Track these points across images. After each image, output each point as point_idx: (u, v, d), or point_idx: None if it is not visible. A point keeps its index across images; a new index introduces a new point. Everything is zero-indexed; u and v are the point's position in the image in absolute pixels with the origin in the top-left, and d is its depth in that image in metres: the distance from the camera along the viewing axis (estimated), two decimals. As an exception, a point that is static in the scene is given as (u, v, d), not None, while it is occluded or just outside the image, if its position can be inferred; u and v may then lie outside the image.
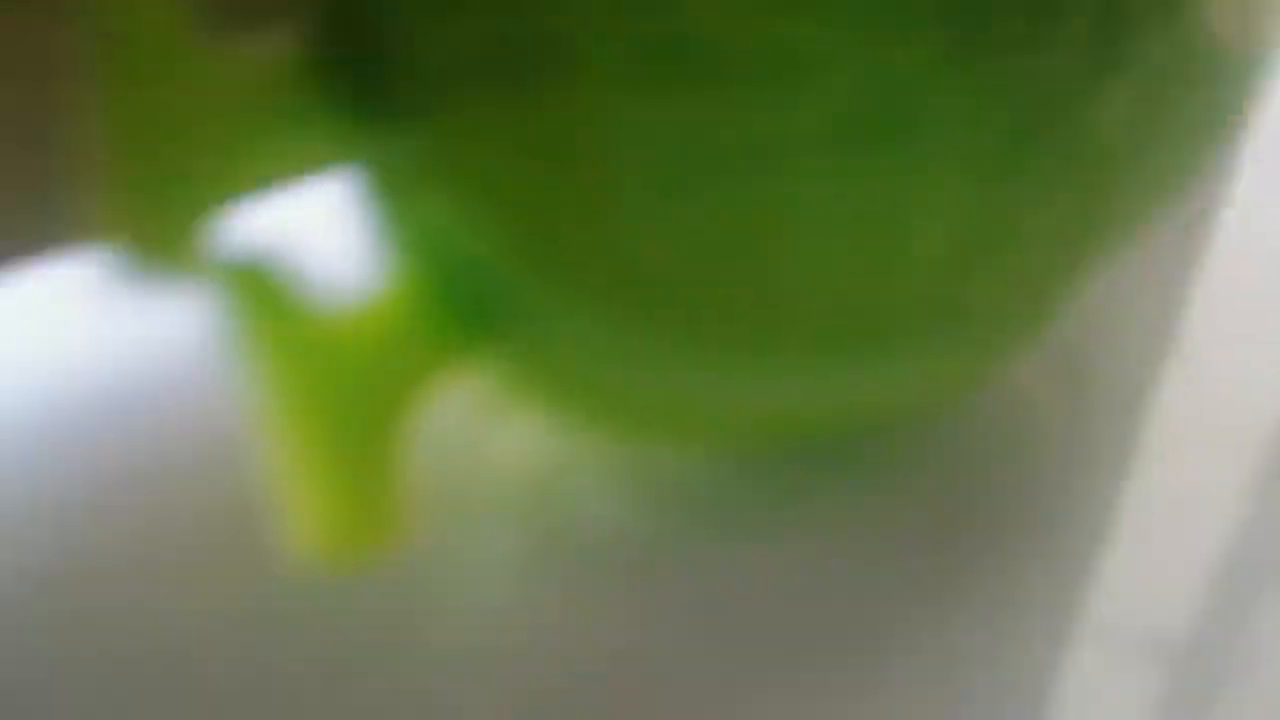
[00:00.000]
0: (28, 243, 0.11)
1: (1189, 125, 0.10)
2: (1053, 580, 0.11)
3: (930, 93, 0.08)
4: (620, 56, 0.08)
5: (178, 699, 0.09)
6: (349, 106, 0.08)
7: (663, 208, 0.08)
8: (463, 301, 0.09)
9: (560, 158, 0.08)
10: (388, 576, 0.09)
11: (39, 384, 0.11)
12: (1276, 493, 0.12)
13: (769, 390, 0.10)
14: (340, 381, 0.08)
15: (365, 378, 0.08)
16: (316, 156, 0.09)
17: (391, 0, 0.08)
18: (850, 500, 0.11)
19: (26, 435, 0.11)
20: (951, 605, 0.10)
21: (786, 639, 0.10)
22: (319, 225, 0.11)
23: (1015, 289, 0.10)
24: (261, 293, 0.08)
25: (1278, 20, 0.10)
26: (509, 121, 0.08)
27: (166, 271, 0.08)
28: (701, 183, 0.08)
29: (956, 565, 0.11)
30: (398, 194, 0.09)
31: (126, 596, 0.09)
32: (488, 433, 0.11)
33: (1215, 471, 0.12)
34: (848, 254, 0.08)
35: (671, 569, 0.10)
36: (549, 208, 0.08)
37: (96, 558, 0.10)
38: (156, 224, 0.08)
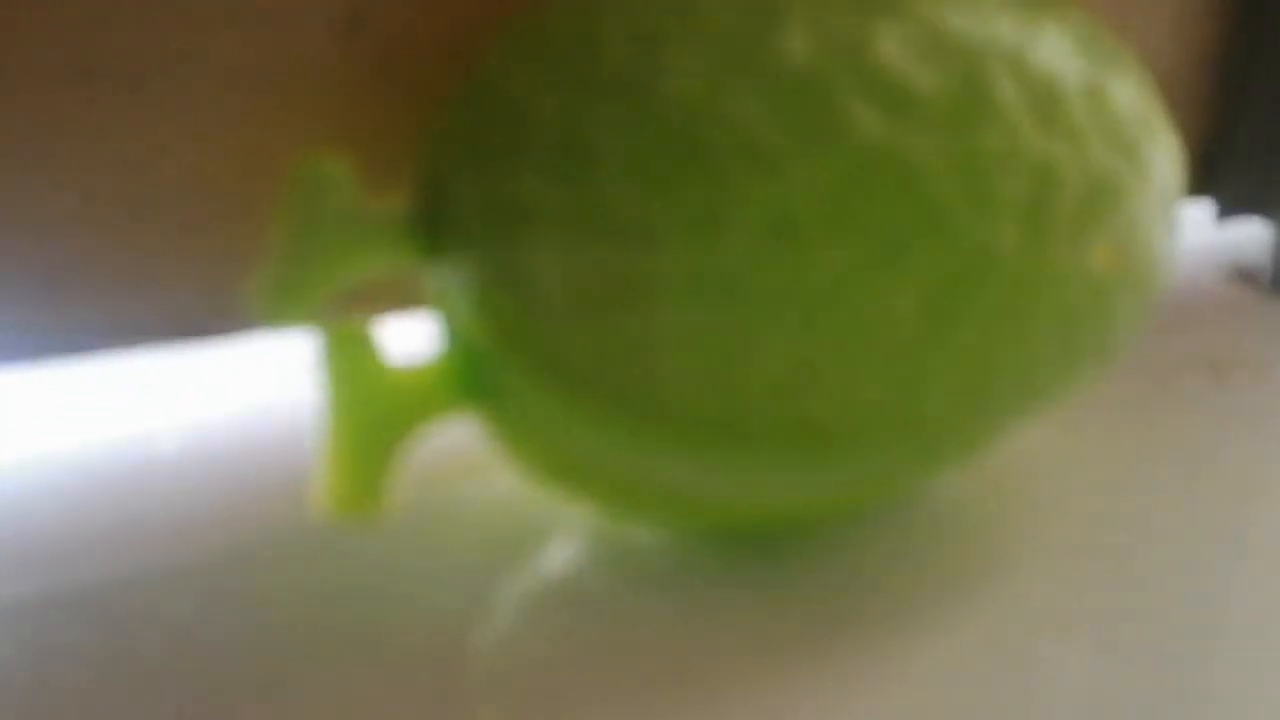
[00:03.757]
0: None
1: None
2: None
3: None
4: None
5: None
6: (426, 246, 0.13)
7: (691, 353, 0.12)
8: (472, 378, 0.14)
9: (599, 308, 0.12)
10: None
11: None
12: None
13: (734, 486, 0.14)
14: (375, 405, 0.13)
15: (392, 408, 0.13)
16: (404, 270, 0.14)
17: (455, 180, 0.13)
18: (790, 580, 0.15)
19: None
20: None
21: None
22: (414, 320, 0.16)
23: (954, 420, 0.13)
24: (350, 340, 0.13)
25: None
26: (536, 270, 0.13)
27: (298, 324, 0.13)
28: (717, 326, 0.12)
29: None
30: (447, 305, 0.14)
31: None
32: (477, 470, 0.16)
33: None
34: (813, 382, 0.12)
35: (618, 621, 0.14)
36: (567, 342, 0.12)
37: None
38: (299, 291, 0.13)
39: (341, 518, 0.13)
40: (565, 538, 0.16)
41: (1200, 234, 0.26)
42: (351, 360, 0.13)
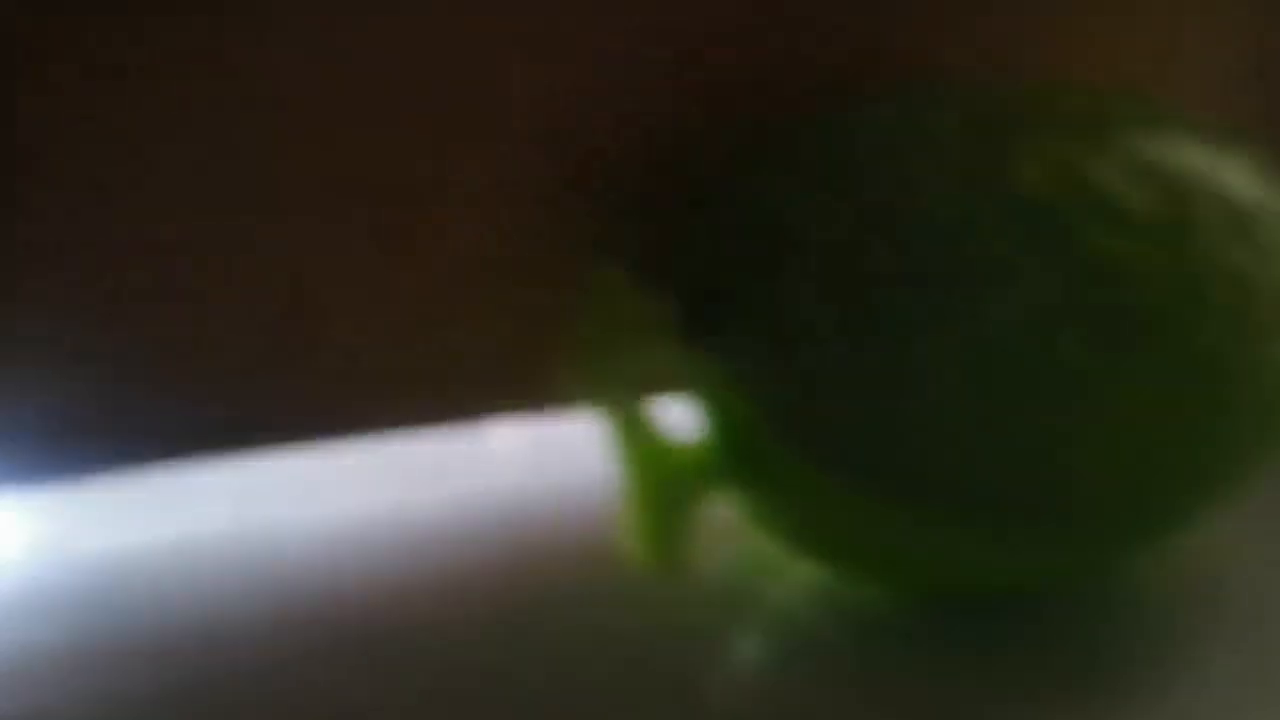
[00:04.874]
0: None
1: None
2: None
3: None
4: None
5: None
6: (695, 341, 0.16)
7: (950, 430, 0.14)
8: (731, 457, 0.16)
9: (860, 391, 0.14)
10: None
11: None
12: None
13: (973, 555, 0.15)
14: (662, 476, 0.16)
15: (677, 480, 0.16)
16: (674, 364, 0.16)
17: (724, 285, 0.15)
18: (1007, 646, 0.16)
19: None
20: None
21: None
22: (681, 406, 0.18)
23: (1169, 498, 0.15)
24: (637, 420, 0.15)
25: None
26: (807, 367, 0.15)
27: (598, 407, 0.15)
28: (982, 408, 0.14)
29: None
30: (711, 392, 0.16)
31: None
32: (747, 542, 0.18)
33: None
34: (1050, 461, 0.14)
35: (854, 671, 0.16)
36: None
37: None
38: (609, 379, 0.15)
39: (643, 572, 0.15)
40: (806, 596, 0.18)
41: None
42: (643, 437, 0.15)
